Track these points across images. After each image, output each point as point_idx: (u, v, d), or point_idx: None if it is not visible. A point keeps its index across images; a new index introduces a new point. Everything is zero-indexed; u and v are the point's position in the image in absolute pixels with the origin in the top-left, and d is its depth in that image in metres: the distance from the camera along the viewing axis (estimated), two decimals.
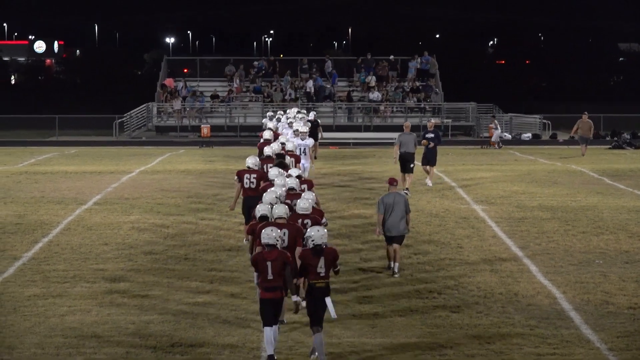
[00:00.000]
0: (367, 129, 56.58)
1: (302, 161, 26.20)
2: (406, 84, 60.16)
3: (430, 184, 31.15)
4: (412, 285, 17.95)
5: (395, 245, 19.01)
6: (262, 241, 13.67)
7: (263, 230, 13.75)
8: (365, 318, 15.73)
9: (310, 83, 58.25)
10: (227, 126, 56.98)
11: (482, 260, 20.16)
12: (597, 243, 21.89)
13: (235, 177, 21.06)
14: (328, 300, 13.57)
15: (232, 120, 57.51)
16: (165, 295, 17.12)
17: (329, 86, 59.12)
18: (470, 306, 16.50)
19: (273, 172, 19.29)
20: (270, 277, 13.43)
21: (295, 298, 13.83)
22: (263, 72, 61.04)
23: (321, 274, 13.60)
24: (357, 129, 56.26)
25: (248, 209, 19.90)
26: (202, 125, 53.40)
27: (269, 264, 13.43)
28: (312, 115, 38.32)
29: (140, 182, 32.95)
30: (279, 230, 14.02)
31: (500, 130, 50.88)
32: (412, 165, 29.88)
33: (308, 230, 14.04)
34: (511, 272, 19.07)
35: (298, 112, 36.48)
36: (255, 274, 13.78)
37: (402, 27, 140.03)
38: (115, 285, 17.93)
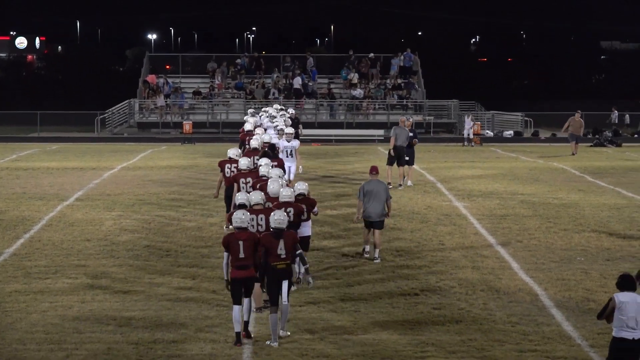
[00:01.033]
0: (350, 125, 56.58)
1: (288, 163, 26.01)
2: (388, 81, 60.18)
3: (410, 183, 30.95)
4: (394, 282, 17.97)
5: (376, 231, 19.74)
6: (233, 225, 14.27)
7: (234, 215, 14.36)
8: (347, 314, 15.72)
9: (298, 80, 58.13)
10: (209, 123, 56.89)
11: (463, 257, 20.20)
12: (578, 240, 21.96)
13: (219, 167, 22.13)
14: (285, 284, 14.10)
15: (214, 116, 57.41)
16: (147, 291, 17.10)
17: (311, 83, 59.10)
18: (452, 303, 16.53)
19: (264, 162, 19.70)
20: (242, 255, 14.07)
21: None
22: (245, 69, 60.94)
23: (282, 256, 14.15)
24: (339, 125, 56.26)
25: (228, 198, 21.17)
26: (184, 122, 53.25)
27: (241, 243, 14.06)
28: (291, 112, 37.82)
29: (122, 178, 32.88)
30: (249, 214, 14.63)
31: (471, 127, 50.22)
32: (406, 159, 30.04)
33: None
34: (493, 268, 19.12)
35: (281, 109, 36.06)
36: (225, 255, 14.24)
37: (385, 25, 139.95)
38: (97, 281, 17.89)
